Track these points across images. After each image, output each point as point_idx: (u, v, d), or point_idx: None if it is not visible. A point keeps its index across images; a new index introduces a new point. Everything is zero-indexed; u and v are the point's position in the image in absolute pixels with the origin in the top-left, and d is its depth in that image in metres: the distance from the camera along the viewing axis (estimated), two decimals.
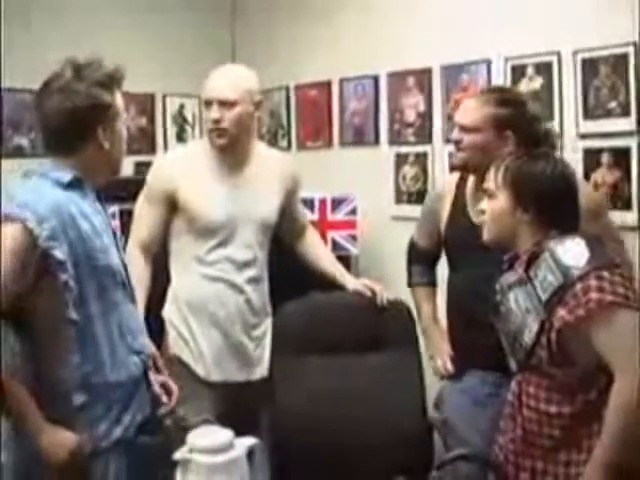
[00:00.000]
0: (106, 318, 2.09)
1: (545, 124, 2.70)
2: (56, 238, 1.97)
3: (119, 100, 2.13)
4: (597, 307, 1.96)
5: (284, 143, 4.54)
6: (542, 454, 2.07)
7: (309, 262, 3.11)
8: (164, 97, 4.62)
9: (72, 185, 2.07)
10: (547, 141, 2.57)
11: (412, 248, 2.97)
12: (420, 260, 2.94)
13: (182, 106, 4.68)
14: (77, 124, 2.05)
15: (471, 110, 2.61)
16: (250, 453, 2.03)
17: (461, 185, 2.77)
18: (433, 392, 2.93)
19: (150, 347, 2.36)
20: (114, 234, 2.22)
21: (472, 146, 2.58)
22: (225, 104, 2.80)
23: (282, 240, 3.10)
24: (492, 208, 2.18)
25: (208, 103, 2.84)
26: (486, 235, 2.22)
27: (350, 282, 3.01)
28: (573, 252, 2.02)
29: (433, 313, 2.94)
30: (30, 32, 3.94)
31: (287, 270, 3.07)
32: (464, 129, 2.60)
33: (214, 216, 2.83)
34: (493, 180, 2.18)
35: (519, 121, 2.57)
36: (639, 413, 1.94)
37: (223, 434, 2.01)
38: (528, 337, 2.08)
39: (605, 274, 1.98)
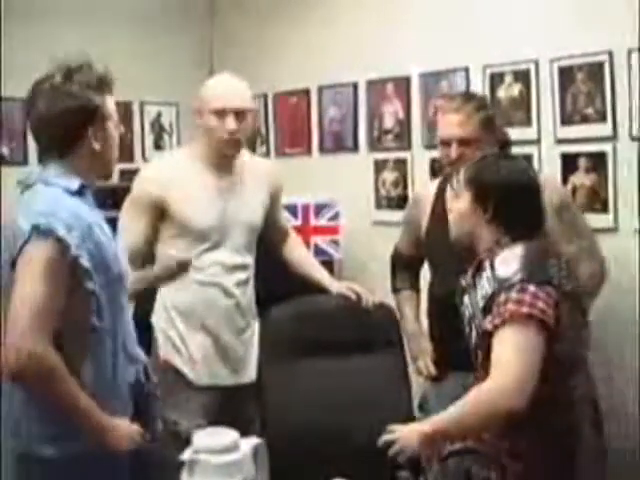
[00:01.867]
0: (114, 326, 2.09)
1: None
2: (81, 246, 1.97)
3: (109, 103, 2.13)
4: (510, 317, 1.97)
5: (262, 150, 4.55)
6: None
7: (292, 267, 3.13)
8: (142, 105, 4.61)
9: (80, 193, 2.07)
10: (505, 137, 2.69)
11: (396, 255, 3.01)
12: (404, 267, 2.97)
13: (159, 114, 4.68)
14: (68, 126, 2.05)
15: (465, 122, 2.64)
16: (254, 453, 2.06)
17: (441, 191, 2.82)
18: (420, 392, 2.98)
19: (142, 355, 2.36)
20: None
21: (475, 156, 2.52)
22: (239, 114, 2.81)
23: (265, 244, 3.11)
24: (457, 208, 2.23)
25: (220, 113, 2.79)
26: (452, 234, 2.28)
27: (334, 286, 3.03)
28: (508, 263, 2.05)
29: (416, 316, 2.97)
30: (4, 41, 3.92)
31: (271, 273, 3.08)
32: (464, 143, 2.63)
33: (205, 222, 2.85)
34: (457, 181, 2.24)
35: (494, 120, 2.69)
36: (480, 419, 1.97)
37: (229, 434, 2.03)
38: (473, 343, 2.14)
39: (530, 287, 1.98)
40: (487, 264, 2.10)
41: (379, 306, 2.98)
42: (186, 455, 2.00)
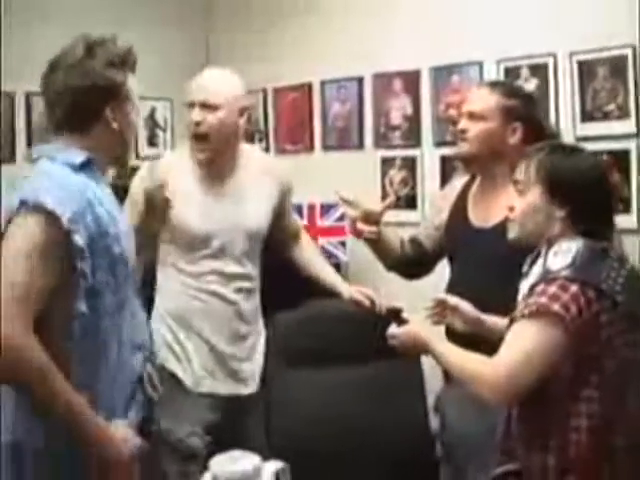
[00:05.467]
0: (118, 313, 1.98)
1: (547, 123, 2.70)
2: (77, 222, 1.85)
3: (132, 83, 2.05)
4: (537, 311, 1.87)
5: (261, 146, 4.40)
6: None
7: (303, 269, 3.00)
8: None
9: (84, 167, 1.96)
10: (552, 139, 2.52)
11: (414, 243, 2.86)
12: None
13: (154, 109, 4.54)
14: (86, 103, 1.97)
15: (480, 97, 2.58)
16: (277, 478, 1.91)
17: (467, 188, 2.72)
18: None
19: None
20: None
21: (478, 135, 2.53)
22: (208, 107, 2.70)
23: (274, 247, 2.98)
24: (524, 205, 2.04)
25: (190, 105, 2.72)
26: (513, 233, 2.08)
27: (346, 290, 2.91)
28: (561, 255, 1.94)
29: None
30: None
31: (279, 279, 2.94)
32: (472, 117, 2.56)
33: (200, 229, 2.73)
34: (524, 175, 2.04)
35: (528, 114, 2.54)
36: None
37: (250, 459, 1.88)
38: None
39: (572, 287, 1.87)
40: (543, 252, 2.00)
41: (391, 311, 2.83)
42: None
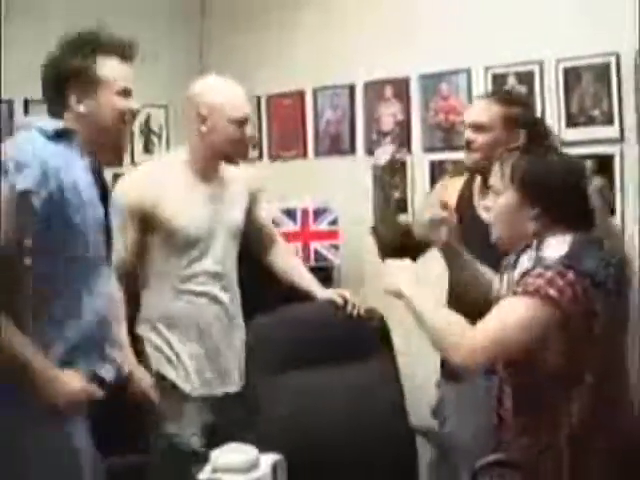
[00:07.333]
0: (75, 280, 2.05)
1: (547, 126, 2.79)
2: (38, 184, 1.93)
3: (107, 69, 2.09)
4: (534, 292, 1.91)
5: (255, 153, 4.44)
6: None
7: (279, 274, 3.09)
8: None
9: (59, 136, 2.03)
10: (550, 141, 2.63)
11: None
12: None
13: (149, 116, 4.59)
14: (53, 91, 2.07)
15: (483, 108, 2.66)
16: (274, 470, 1.97)
17: (469, 181, 2.81)
18: (412, 399, 2.93)
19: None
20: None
21: (485, 145, 2.61)
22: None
23: (251, 251, 3.08)
24: (498, 206, 2.11)
25: (240, 122, 2.81)
26: (494, 234, 2.16)
27: (320, 292, 2.99)
28: (554, 246, 1.99)
29: None
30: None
31: (257, 280, 3.05)
32: (477, 128, 2.64)
33: (195, 230, 2.81)
34: (499, 177, 2.11)
35: (529, 120, 2.64)
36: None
37: (248, 451, 1.95)
38: None
39: (569, 274, 1.92)
40: (534, 246, 2.04)
41: (368, 312, 2.91)
42: (204, 475, 1.91)
